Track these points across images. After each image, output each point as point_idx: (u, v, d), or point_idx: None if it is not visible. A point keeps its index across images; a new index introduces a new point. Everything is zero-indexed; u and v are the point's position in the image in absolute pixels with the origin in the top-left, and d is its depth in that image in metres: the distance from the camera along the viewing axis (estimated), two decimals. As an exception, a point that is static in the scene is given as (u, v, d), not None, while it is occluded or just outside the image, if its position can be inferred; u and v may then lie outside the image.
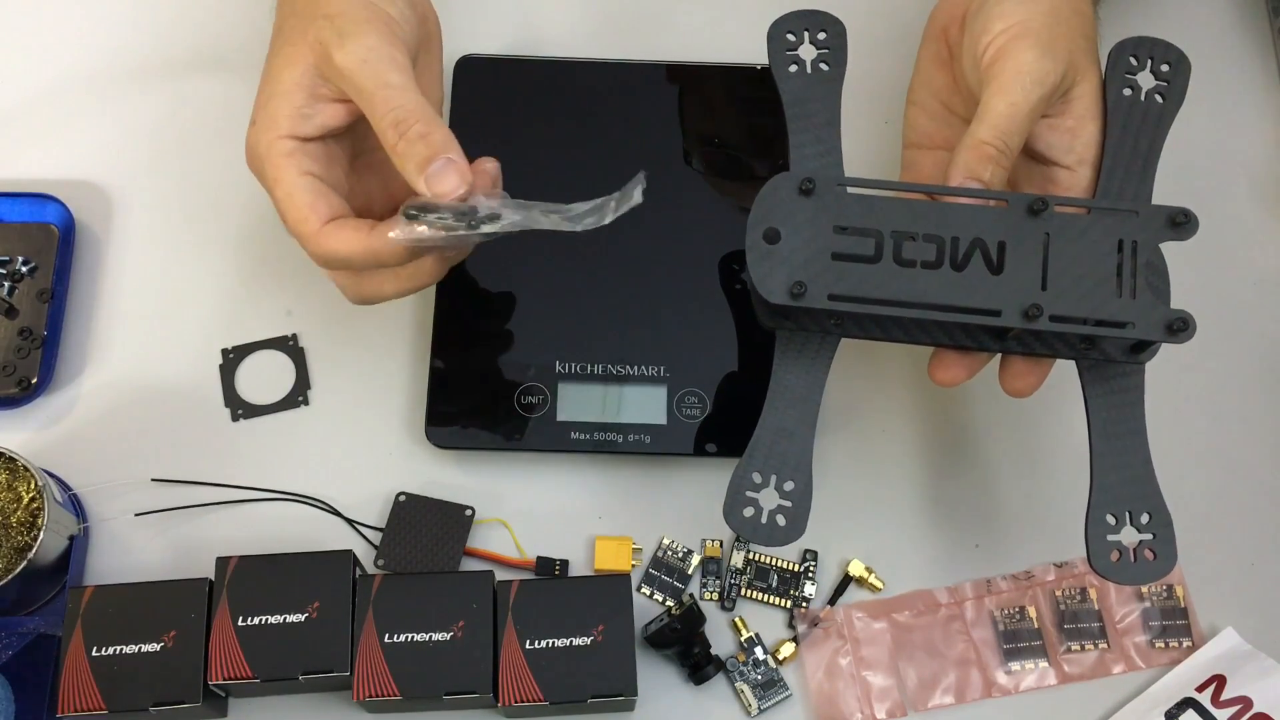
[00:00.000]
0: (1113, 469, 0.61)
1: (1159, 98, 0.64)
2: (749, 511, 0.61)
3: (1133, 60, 0.65)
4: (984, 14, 0.63)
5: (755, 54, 0.78)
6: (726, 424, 0.70)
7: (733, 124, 0.77)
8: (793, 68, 0.66)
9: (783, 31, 0.66)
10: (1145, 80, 0.65)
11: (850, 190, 0.61)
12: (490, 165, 0.62)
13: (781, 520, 0.61)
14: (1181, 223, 0.60)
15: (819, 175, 0.60)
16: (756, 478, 0.61)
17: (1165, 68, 0.65)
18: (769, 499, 0.61)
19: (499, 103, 0.77)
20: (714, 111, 0.78)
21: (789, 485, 0.61)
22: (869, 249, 0.60)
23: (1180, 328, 0.59)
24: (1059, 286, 0.59)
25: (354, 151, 0.66)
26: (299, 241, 0.62)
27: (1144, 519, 0.61)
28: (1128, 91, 0.64)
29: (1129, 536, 0.60)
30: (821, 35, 0.66)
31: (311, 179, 0.62)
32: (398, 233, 0.59)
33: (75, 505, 0.69)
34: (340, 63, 0.60)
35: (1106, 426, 0.62)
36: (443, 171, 0.60)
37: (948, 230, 0.60)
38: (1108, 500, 0.61)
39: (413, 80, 0.61)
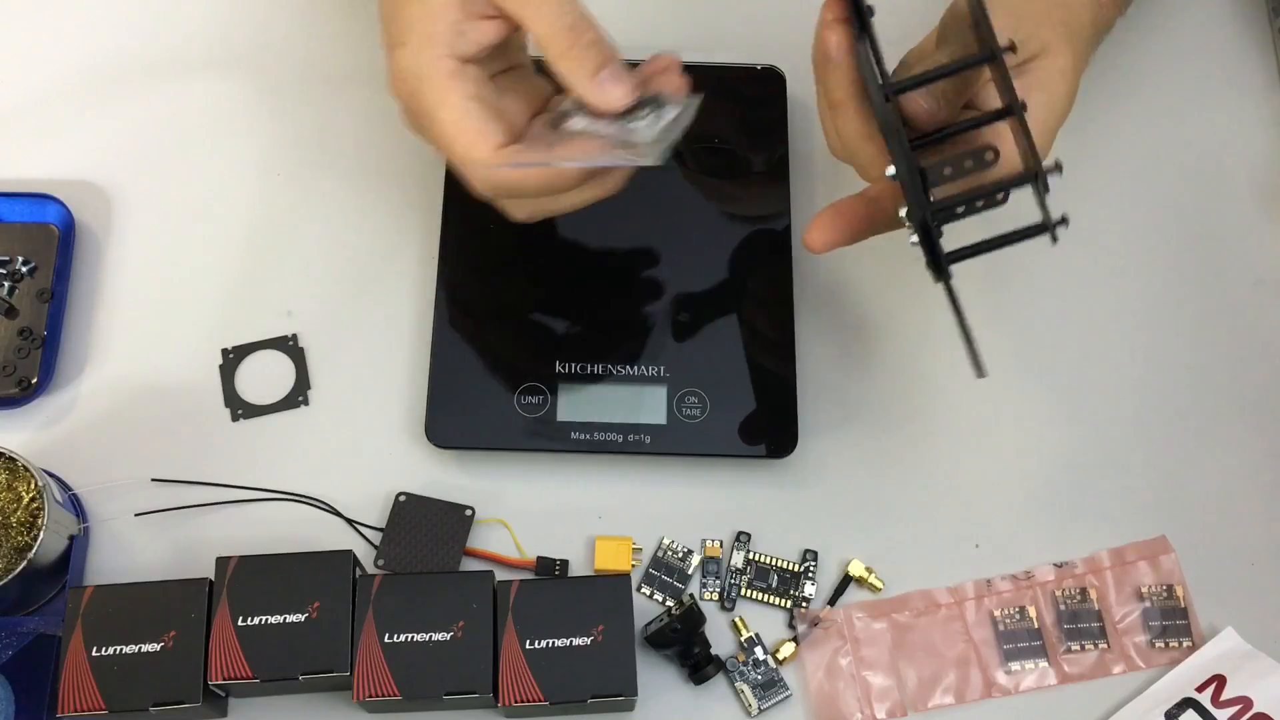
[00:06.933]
0: None
1: None
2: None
3: None
4: None
5: (755, 54, 0.79)
6: (726, 424, 0.70)
7: (733, 124, 0.77)
8: None
9: None
10: None
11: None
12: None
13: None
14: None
15: None
16: None
17: None
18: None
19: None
20: (714, 112, 0.77)
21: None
22: None
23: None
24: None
25: (488, 75, 0.63)
26: (466, 169, 0.61)
27: None
28: None
29: None
30: None
31: (480, 102, 0.60)
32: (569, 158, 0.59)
33: (75, 505, 0.69)
34: None
35: None
36: (614, 77, 0.59)
37: None
38: None
39: None
